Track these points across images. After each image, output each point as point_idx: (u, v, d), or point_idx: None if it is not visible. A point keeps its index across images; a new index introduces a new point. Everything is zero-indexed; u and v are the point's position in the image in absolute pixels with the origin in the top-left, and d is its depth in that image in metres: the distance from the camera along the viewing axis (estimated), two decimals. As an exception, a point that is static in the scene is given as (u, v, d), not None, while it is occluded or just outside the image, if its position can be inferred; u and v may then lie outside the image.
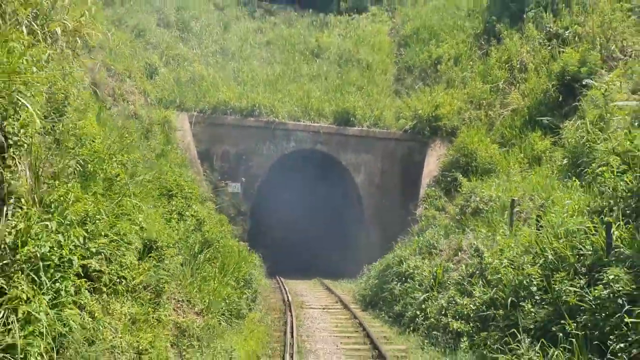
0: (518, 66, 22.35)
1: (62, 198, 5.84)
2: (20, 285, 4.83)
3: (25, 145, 5.67)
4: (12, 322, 4.63)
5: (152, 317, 7.77)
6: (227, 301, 10.56)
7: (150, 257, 8.19)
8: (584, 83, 16.64)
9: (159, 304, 8.18)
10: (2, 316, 4.64)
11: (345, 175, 22.11)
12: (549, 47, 21.77)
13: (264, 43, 27.76)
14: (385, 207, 21.32)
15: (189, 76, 22.31)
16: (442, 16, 26.91)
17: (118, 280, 6.84)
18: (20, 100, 5.63)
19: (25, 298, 4.79)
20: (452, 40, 24.90)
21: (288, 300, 14.78)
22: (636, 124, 11.46)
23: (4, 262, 4.93)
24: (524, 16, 24.23)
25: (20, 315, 4.70)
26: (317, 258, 24.17)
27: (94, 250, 6.19)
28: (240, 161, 21.45)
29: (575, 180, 11.60)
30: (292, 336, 10.38)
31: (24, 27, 6.60)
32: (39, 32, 7.75)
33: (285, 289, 17.11)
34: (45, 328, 4.77)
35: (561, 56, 19.75)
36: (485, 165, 18.15)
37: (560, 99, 18.23)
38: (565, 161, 14.16)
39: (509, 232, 11.34)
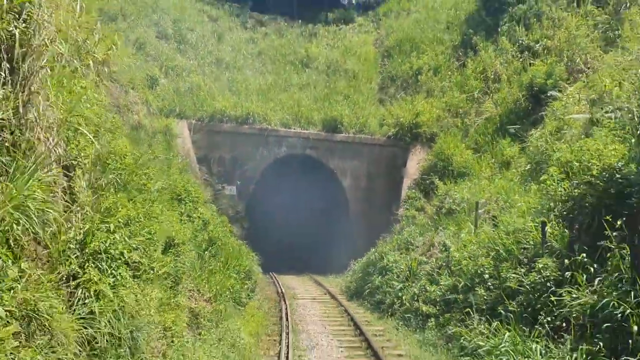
0: (492, 77, 24.26)
1: (112, 205, 7.57)
2: (90, 272, 6.56)
3: (84, 164, 7.40)
4: (87, 298, 6.36)
5: (173, 302, 9.50)
6: (230, 291, 12.29)
7: (170, 252, 9.91)
8: (549, 94, 18.51)
9: (178, 291, 9.92)
10: (81, 293, 6.37)
11: (333, 179, 23.90)
12: (521, 59, 23.71)
13: (256, 53, 29.47)
14: (370, 208, 23.14)
15: (187, 86, 23.97)
16: (423, 28, 28.80)
17: (149, 270, 8.58)
18: (80, 129, 7.36)
19: (95, 280, 6.52)
20: (432, 52, 26.80)
21: (282, 292, 16.56)
22: (583, 136, 13.35)
23: (77, 254, 6.67)
24: (499, 29, 26.16)
25: (92, 292, 6.43)
26: (308, 255, 25.89)
27: (134, 245, 7.92)
28: (235, 165, 23.18)
29: (532, 185, 13.46)
30: (287, 319, 12.17)
31: (81, 73, 8.29)
32: (77, 65, 9.46)
33: (278, 283, 18.87)
34: (110, 303, 6.51)
35: (530, 68, 21.73)
36: (460, 169, 19.99)
37: (530, 108, 20.11)
38: (527, 167, 16.00)
39: (473, 231, 13.20)
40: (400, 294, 13.30)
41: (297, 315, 13.52)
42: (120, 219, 7.71)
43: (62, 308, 5.78)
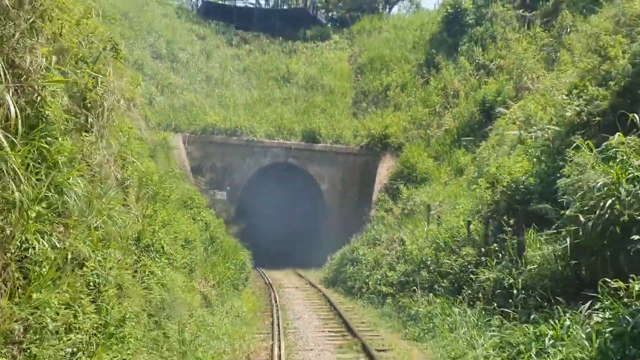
0: (452, 92, 27.67)
1: (152, 213, 10.62)
2: (144, 259, 9.61)
3: (132, 183, 10.43)
4: (145, 276, 9.40)
5: (189, 285, 12.53)
6: (230, 279, 15.35)
7: (187, 247, 12.95)
8: (497, 110, 21.84)
9: (192, 278, 12.96)
10: (140, 273, 9.42)
11: (313, 184, 27.05)
12: (477, 77, 27.18)
13: (242, 69, 32.49)
14: (345, 209, 26.34)
15: (181, 103, 26.92)
16: (392, 48, 32.12)
17: (175, 260, 11.62)
18: (130, 158, 10.39)
19: (148, 265, 9.57)
20: (399, 70, 30.13)
21: (269, 282, 19.66)
22: (512, 151, 16.67)
23: (133, 248, 9.70)
24: (459, 49, 29.61)
25: (147, 272, 9.47)
26: (291, 252, 28.88)
27: (168, 242, 10.97)
28: (225, 173, 26.19)
29: (474, 190, 16.73)
30: (276, 301, 15.28)
31: (128, 116, 11.29)
32: (124, 109, 12.43)
33: (266, 276, 21.94)
34: (158, 280, 9.56)
35: (484, 86, 25.17)
36: (423, 176, 23.28)
37: (482, 122, 23.48)
38: (475, 175, 19.31)
39: (425, 228, 16.46)
40: (367, 280, 16.51)
41: (283, 299, 16.62)
42: (159, 223, 10.80)
43: (132, 281, 8.85)
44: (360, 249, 19.09)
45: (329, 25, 39.83)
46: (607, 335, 6.15)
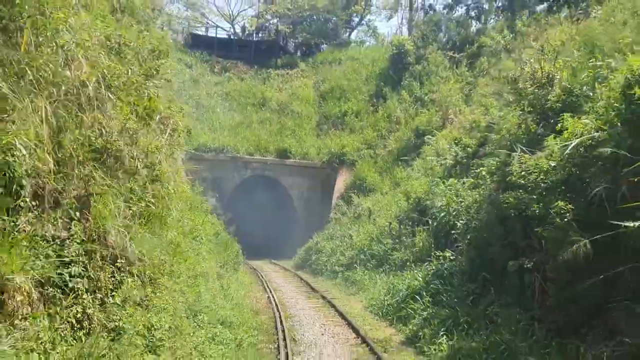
0: (395, 120, 35.38)
1: (183, 217, 17.79)
2: (181, 258, 16.83)
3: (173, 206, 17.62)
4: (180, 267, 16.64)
5: (208, 265, 19.71)
6: (230, 262, 22.52)
7: (204, 240, 20.10)
8: (426, 137, 29.48)
9: (211, 259, 20.15)
10: (182, 258, 16.66)
11: (285, 192, 34.35)
12: (415, 107, 34.94)
13: (224, 94, 39.49)
14: (311, 212, 33.73)
15: (178, 126, 33.75)
16: (349, 79, 39.72)
17: (200, 249, 18.80)
18: (178, 180, 17.60)
19: (186, 251, 16.77)
20: (354, 99, 37.73)
21: (254, 267, 26.91)
22: (421, 175, 24.35)
23: (191, 238, 16.91)
24: (402, 84, 37.38)
25: (185, 264, 16.68)
26: (268, 247, 35.85)
27: (197, 240, 18.16)
28: (214, 184, 33.22)
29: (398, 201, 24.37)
30: (262, 277, 22.62)
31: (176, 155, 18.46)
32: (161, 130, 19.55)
33: (249, 264, 29.13)
34: (194, 260, 16.77)
35: (419, 116, 32.95)
36: (370, 187, 30.82)
37: (416, 145, 31.13)
38: (400, 188, 26.92)
39: (367, 227, 23.99)
40: (326, 264, 23.95)
41: (267, 276, 23.90)
42: (188, 225, 18.03)
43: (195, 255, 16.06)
44: (321, 242, 26.56)
45: (297, 54, 47.14)
46: (430, 275, 13.76)
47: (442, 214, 15.22)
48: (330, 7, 48.32)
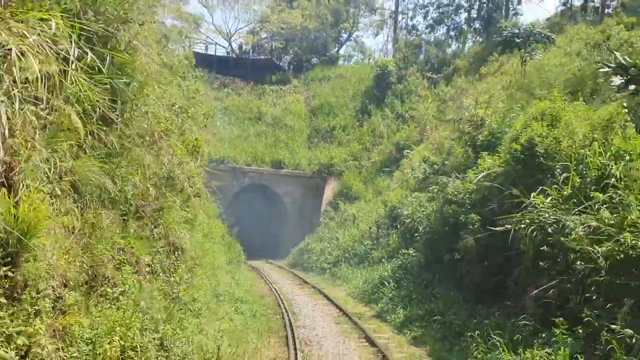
0: (378, 134, 39.72)
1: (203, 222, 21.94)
2: (205, 253, 21.00)
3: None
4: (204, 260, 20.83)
5: (218, 261, 23.86)
6: (234, 260, 26.67)
7: (216, 240, 24.23)
8: (405, 151, 33.84)
9: (218, 257, 24.31)
10: (203, 260, 20.85)
11: (279, 199, 38.54)
12: (396, 123, 39.31)
13: (223, 109, 43.56)
14: (302, 217, 37.93)
15: (183, 139, 37.90)
16: (337, 96, 44.04)
17: (213, 248, 22.95)
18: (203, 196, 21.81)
19: (207, 255, 20.94)
20: (342, 115, 42.04)
21: (253, 266, 31.06)
22: (398, 186, 28.67)
23: (210, 237, 21.09)
24: (385, 101, 41.76)
25: (206, 258, 20.85)
26: (263, 248, 39.90)
27: (211, 240, 22.32)
28: (216, 192, 37.25)
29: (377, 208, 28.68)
30: (262, 273, 26.79)
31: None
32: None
33: (248, 263, 33.26)
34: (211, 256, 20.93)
35: (399, 131, 37.33)
36: (355, 195, 35.13)
37: (397, 158, 35.49)
38: (380, 197, 31.27)
39: (352, 230, 28.24)
40: (316, 262, 28.16)
41: (266, 273, 28.04)
42: (206, 228, 22.25)
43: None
44: (312, 244, 30.78)
45: (290, 70, 51.40)
46: (396, 267, 18.03)
47: (409, 220, 19.51)
48: (320, 27, 52.63)
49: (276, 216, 39.66)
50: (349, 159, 38.72)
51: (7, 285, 4.81)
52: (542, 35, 23.99)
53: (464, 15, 50.29)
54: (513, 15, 50.69)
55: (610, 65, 12.83)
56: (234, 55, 50.86)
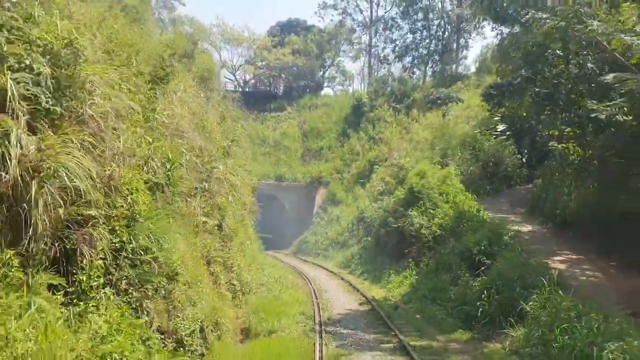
0: (356, 153, 54.23)
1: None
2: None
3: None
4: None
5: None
6: (259, 249, 41.00)
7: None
8: (374, 167, 48.51)
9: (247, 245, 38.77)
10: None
11: (281, 205, 52.95)
12: (369, 144, 53.96)
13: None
14: (299, 218, 52.35)
15: (208, 162, 52.24)
16: (323, 122, 58.46)
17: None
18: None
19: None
20: (327, 137, 56.50)
21: (267, 254, 45.51)
22: (367, 196, 43.28)
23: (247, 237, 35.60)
24: (360, 125, 56.34)
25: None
26: (272, 241, 54.26)
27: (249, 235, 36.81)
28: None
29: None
30: (277, 258, 41.27)
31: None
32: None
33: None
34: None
35: (371, 150, 52.06)
36: (339, 200, 49.70)
37: (370, 172, 50.18)
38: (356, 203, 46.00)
39: (336, 227, 42.73)
40: (312, 249, 42.67)
41: (279, 258, 42.39)
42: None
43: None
44: (308, 236, 45.32)
45: (284, 99, 65.76)
46: (361, 249, 32.66)
47: (369, 220, 34.00)
48: (307, 59, 66.98)
49: (279, 217, 54.10)
50: (333, 172, 53.16)
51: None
52: (456, 97, 38.68)
53: (424, 50, 64.95)
54: (463, 48, 65.85)
55: (498, 114, 27.22)
56: (239, 88, 65.12)
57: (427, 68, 65.11)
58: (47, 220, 6.89)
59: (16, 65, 7.12)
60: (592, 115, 12.26)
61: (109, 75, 9.17)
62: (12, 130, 6.67)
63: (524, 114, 23.93)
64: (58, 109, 7.50)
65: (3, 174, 6.52)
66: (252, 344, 13.44)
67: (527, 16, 13.61)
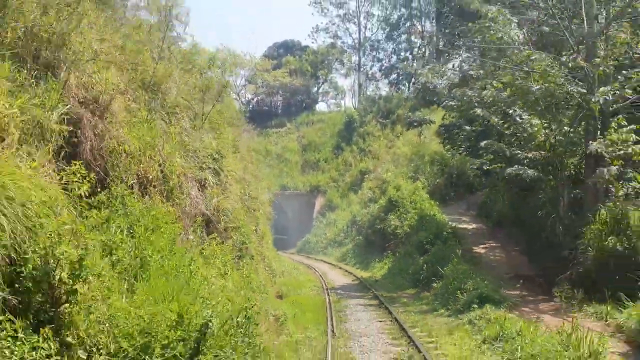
0: (348, 164, 63.88)
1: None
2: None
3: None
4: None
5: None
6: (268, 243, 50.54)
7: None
8: (365, 177, 58.25)
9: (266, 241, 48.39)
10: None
11: (285, 211, 62.47)
12: (360, 156, 63.75)
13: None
14: (301, 223, 61.91)
15: (221, 175, 61.80)
16: (319, 136, 68.07)
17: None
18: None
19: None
20: (324, 150, 66.10)
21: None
22: (358, 202, 52.96)
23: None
24: (352, 139, 66.09)
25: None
26: (277, 244, 63.68)
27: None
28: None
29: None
30: (285, 255, 50.89)
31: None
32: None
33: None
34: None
35: (362, 162, 61.90)
36: (335, 206, 59.31)
37: (361, 180, 59.95)
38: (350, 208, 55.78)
39: (333, 229, 52.33)
40: (314, 248, 52.26)
41: (287, 256, 51.90)
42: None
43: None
44: (310, 238, 54.92)
45: (284, 117, 75.34)
46: (353, 247, 42.38)
47: (360, 223, 43.62)
48: (303, 82, 76.67)
49: (284, 222, 63.64)
50: (330, 181, 62.76)
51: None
52: (428, 119, 48.41)
53: (408, 69, 74.68)
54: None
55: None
56: (243, 107, 74.76)
57: (411, 85, 74.92)
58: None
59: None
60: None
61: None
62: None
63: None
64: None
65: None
66: (287, 299, 23.02)
67: (443, 103, 23.54)
